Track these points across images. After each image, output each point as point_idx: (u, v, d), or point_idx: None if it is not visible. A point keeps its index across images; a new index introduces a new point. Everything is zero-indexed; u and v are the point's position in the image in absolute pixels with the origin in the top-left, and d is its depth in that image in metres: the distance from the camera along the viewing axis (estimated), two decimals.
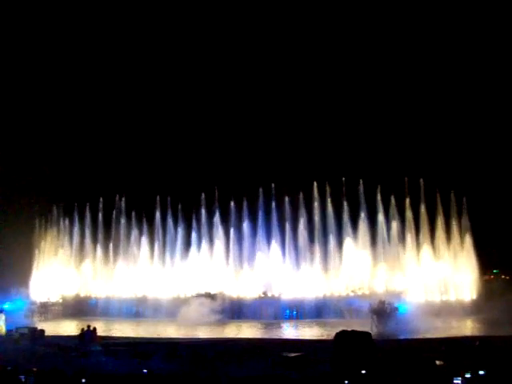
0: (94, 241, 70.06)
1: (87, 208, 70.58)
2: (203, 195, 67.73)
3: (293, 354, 29.29)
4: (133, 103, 79.29)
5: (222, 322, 55.93)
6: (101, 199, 70.73)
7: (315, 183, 65.91)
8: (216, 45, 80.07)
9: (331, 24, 78.08)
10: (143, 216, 68.94)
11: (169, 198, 68.27)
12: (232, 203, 66.90)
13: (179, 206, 68.24)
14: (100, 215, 70.45)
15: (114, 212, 70.08)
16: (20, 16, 79.43)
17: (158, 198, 69.02)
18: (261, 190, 66.15)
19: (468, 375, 22.33)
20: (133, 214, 68.86)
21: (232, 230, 66.48)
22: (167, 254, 68.05)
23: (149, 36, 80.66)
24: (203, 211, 67.77)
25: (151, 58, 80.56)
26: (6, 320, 45.21)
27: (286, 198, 65.67)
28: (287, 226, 65.23)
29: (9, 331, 42.46)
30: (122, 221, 69.71)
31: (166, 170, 72.10)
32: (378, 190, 65.02)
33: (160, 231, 68.82)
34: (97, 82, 79.05)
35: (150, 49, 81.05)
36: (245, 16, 79.98)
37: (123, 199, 70.38)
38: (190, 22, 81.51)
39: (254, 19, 79.81)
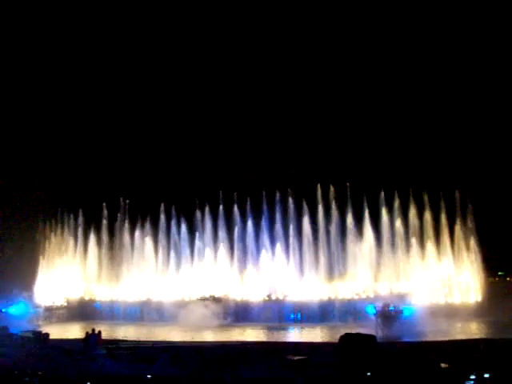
0: (99, 245, 70.17)
1: (92, 212, 70.71)
2: (207, 199, 67.89)
3: (297, 357, 29.24)
4: (139, 112, 79.63)
5: (226, 325, 55.90)
6: (105, 204, 70.91)
7: (319, 187, 65.85)
8: (219, 51, 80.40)
9: (335, 28, 78.24)
10: (147, 220, 69.04)
11: (173, 203, 68.45)
12: (235, 207, 66.96)
13: (183, 210, 68.37)
14: (104, 220, 70.61)
15: (119, 217, 70.22)
16: (20, 16, 79.81)
17: (162, 202, 69.10)
18: (264, 193, 66.19)
19: (473, 376, 22.28)
20: (137, 218, 69.02)
21: (236, 234, 66.51)
22: (171, 258, 68.07)
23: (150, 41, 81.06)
24: (207, 215, 67.84)
25: (156, 64, 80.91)
26: (12, 323, 45.38)
27: (290, 202, 65.70)
28: (291, 230, 65.22)
29: (14, 335, 42.52)
30: (126, 225, 69.75)
31: (170, 175, 72.23)
32: (382, 194, 64.94)
33: (164, 235, 68.87)
34: (102, 89, 79.41)
35: (152, 53, 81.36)
36: (246, 18, 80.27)
37: (127, 204, 70.46)
38: (190, 24, 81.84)
39: (256, 21, 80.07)
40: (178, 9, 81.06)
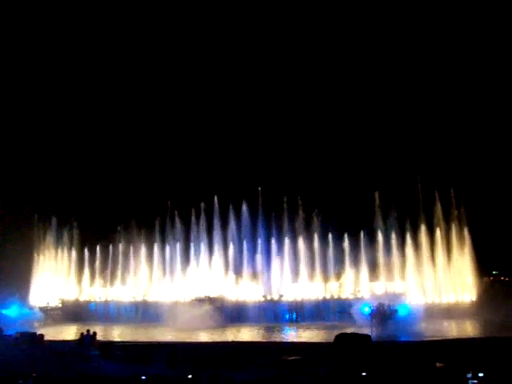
0: (94, 246, 70.01)
1: (87, 214, 70.51)
2: (203, 199, 67.94)
3: (292, 357, 29.22)
4: (135, 117, 79.79)
5: (222, 326, 55.78)
6: (100, 206, 70.80)
7: (315, 188, 65.91)
8: (217, 54, 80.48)
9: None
10: (143, 221, 68.92)
11: (169, 204, 68.50)
12: (231, 208, 66.97)
13: (179, 211, 68.36)
14: (99, 221, 70.43)
15: (115, 218, 70.11)
16: (20, 16, 79.67)
17: (158, 203, 69.06)
18: (261, 191, 66.26)
19: (468, 375, 22.33)
20: (132, 219, 68.88)
21: (231, 235, 66.50)
22: (167, 259, 67.98)
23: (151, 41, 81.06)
24: (203, 216, 67.81)
25: (157, 67, 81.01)
26: (6, 325, 45.21)
27: (285, 202, 65.78)
28: (286, 230, 65.26)
29: (8, 336, 42.38)
30: (122, 227, 69.55)
31: (166, 177, 72.28)
32: (377, 194, 65.04)
33: (160, 236, 68.79)
34: (100, 92, 79.48)
35: (152, 55, 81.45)
36: (245, 18, 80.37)
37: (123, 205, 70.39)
38: (191, 26, 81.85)
39: (255, 24, 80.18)
40: (178, 9, 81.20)
